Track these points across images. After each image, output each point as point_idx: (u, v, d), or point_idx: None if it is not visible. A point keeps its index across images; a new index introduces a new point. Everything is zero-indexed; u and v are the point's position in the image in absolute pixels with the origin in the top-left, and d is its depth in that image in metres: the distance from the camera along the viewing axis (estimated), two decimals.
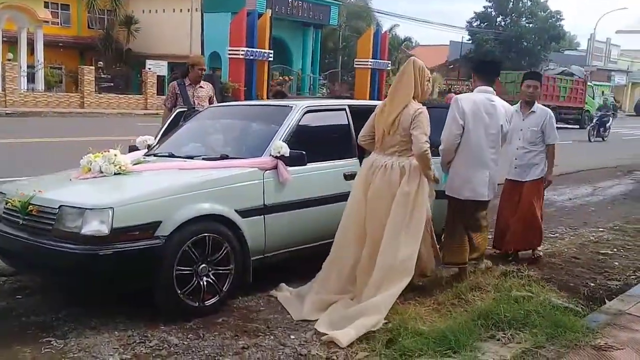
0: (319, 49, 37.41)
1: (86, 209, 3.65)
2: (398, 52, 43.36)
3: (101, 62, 31.25)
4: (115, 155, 4.25)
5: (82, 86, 25.76)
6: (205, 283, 4.00)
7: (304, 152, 4.46)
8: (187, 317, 3.94)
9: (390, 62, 37.11)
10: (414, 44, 50.63)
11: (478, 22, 51.20)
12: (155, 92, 28.47)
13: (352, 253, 4.29)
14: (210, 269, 4.03)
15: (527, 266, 4.66)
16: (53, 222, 3.76)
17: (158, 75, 29.33)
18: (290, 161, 4.44)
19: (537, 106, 5.58)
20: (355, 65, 35.38)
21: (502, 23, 50.18)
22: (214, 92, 6.75)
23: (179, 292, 3.86)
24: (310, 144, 4.64)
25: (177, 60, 31.16)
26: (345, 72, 39.76)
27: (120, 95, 27.80)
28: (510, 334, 3.65)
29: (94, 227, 3.61)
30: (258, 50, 28.49)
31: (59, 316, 4.00)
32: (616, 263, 5.72)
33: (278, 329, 3.88)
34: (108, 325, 3.85)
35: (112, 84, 29.73)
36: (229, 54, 28.11)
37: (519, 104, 5.64)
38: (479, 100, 4.78)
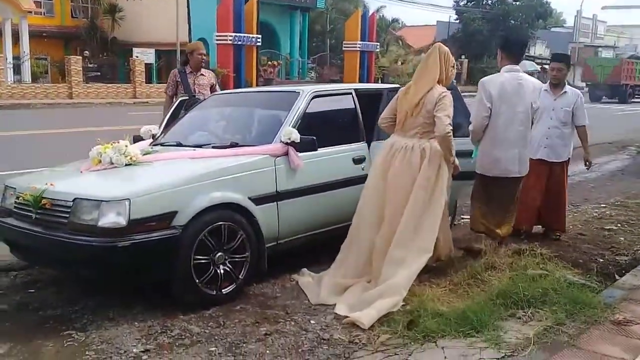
0: (306, 33, 37.24)
1: (102, 201, 3.62)
2: (386, 34, 43.23)
3: (87, 52, 30.85)
4: (126, 146, 4.21)
5: (69, 76, 25.45)
6: (222, 271, 3.99)
7: (315, 138, 4.44)
8: (206, 306, 3.93)
9: (378, 44, 37.01)
10: (400, 25, 50.47)
11: (465, 1, 51.06)
12: (144, 80, 28.24)
13: (370, 236, 4.30)
14: (226, 257, 4.02)
15: (538, 244, 4.68)
16: (68, 215, 3.73)
17: (146, 63, 29.06)
18: (300, 147, 4.42)
19: (568, 87, 5.58)
20: (343, 48, 35.25)
21: (489, 2, 50.05)
22: (215, 80, 6.69)
23: (197, 281, 3.85)
24: (319, 129, 4.62)
25: (164, 47, 30.92)
26: (333, 55, 39.60)
27: (108, 85, 27.52)
28: (530, 312, 3.68)
29: (111, 219, 3.59)
30: (246, 35, 28.32)
31: (76, 309, 3.99)
32: (622, 238, 5.77)
33: (297, 314, 3.89)
34: (126, 316, 3.84)
35: (99, 74, 29.41)
36: (217, 40, 27.92)
37: (547, 83, 5.63)
38: (505, 81, 4.79)
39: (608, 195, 8.01)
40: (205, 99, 6.01)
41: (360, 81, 34.38)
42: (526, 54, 51.68)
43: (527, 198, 5.43)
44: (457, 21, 49.89)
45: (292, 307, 4.01)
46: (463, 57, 47.21)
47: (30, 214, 3.94)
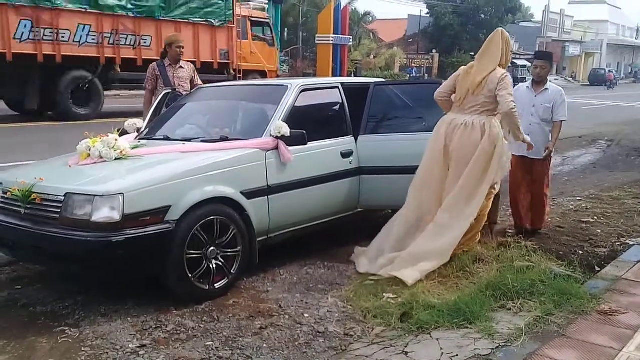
0: (279, 25, 36.97)
1: (95, 195, 3.59)
2: (358, 27, 43.29)
3: None
4: (116, 140, 4.18)
5: None
6: (214, 266, 4.00)
7: (304, 132, 4.46)
8: (199, 301, 3.94)
9: (351, 37, 36.99)
10: (371, 19, 50.53)
11: None
12: None
13: (427, 211, 4.57)
14: (218, 252, 4.03)
15: (523, 237, 4.79)
16: (59, 210, 3.69)
17: None
18: (290, 141, 4.44)
19: (550, 85, 5.55)
20: (316, 41, 35.05)
21: None
22: (194, 73, 6.64)
23: (190, 276, 3.85)
24: (307, 123, 4.64)
25: None
26: (306, 48, 39.50)
27: None
28: (520, 303, 3.77)
29: (105, 213, 3.56)
30: None
31: (66, 305, 3.96)
32: (599, 231, 5.92)
33: (290, 308, 3.92)
34: (119, 312, 3.82)
35: None
36: None
37: (530, 81, 5.65)
38: None
39: (582, 188, 8.19)
40: (187, 92, 5.99)
41: (334, 74, 34.41)
42: None
43: (519, 194, 5.52)
44: (428, 15, 50.20)
45: (284, 301, 4.03)
46: (434, 51, 47.61)
47: (19, 209, 3.88)
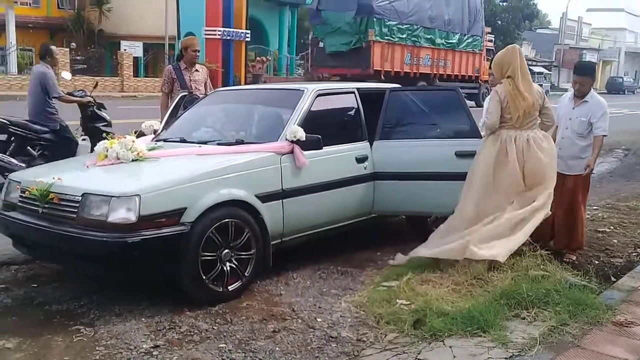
0: (295, 29, 37.14)
1: (112, 196, 3.63)
2: None
3: (73, 44, 30.49)
4: (133, 141, 4.21)
5: (57, 69, 25.11)
6: (228, 268, 4.02)
7: (320, 137, 4.47)
8: (212, 303, 3.96)
9: None
10: None
11: None
12: (132, 73, 27.97)
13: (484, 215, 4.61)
14: (232, 255, 4.04)
15: (539, 245, 4.75)
16: (76, 210, 3.73)
17: (133, 57, 28.81)
18: (305, 145, 4.45)
19: (593, 96, 5.06)
20: None
21: None
22: (209, 77, 6.69)
23: (204, 277, 3.87)
24: (322, 128, 4.65)
25: (152, 40, 30.72)
26: None
27: (96, 78, 27.18)
28: (534, 313, 3.74)
29: (121, 214, 3.60)
30: (235, 30, 28.23)
31: (81, 303, 3.99)
32: (615, 240, 5.86)
33: (304, 312, 3.92)
34: (133, 311, 3.85)
35: (85, 66, 29.08)
36: (206, 35, 27.69)
37: (572, 92, 5.23)
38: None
39: (599, 197, 8.11)
40: (204, 96, 6.02)
41: None
42: None
43: None
44: None
45: (297, 305, 4.03)
46: None
47: (37, 208, 3.93)
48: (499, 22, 48.54)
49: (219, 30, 27.34)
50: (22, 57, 27.73)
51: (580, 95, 5.07)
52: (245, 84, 28.59)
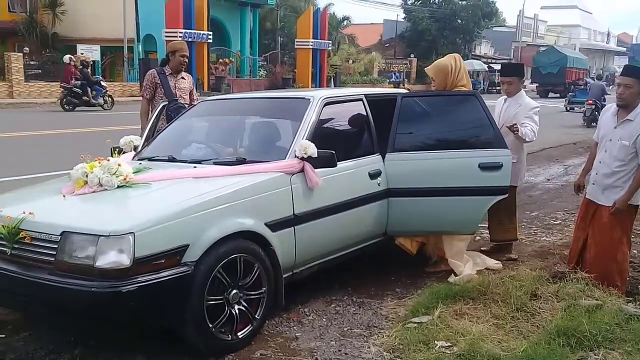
0: (257, 30, 36.43)
1: (100, 235, 2.96)
2: (337, 32, 42.84)
3: (26, 48, 29.05)
4: (119, 165, 3.54)
5: (9, 74, 23.87)
6: (237, 312, 3.40)
7: (334, 152, 3.88)
8: (220, 354, 3.34)
9: (330, 42, 36.58)
10: (344, 24, 49.99)
11: (413, 0, 51.27)
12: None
13: None
14: (241, 295, 3.44)
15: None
16: (54, 253, 3.06)
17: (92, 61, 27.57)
18: (318, 163, 3.86)
19: (637, 113, 4.07)
20: (296, 46, 34.68)
21: (437, 1, 50.41)
22: (194, 86, 6.03)
23: (211, 325, 3.25)
24: (332, 141, 4.09)
25: (109, 44, 29.56)
26: (285, 53, 38.89)
27: (51, 83, 25.90)
28: (602, 355, 3.23)
29: (112, 257, 2.94)
30: (196, 32, 27.43)
31: (63, 358, 3.32)
32: (635, 251, 5.44)
33: None
34: None
35: (40, 71, 27.71)
36: (166, 37, 26.73)
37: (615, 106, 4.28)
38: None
39: None
40: (192, 105, 5.37)
41: (313, 80, 33.94)
42: (472, 53, 52.63)
43: (573, 237, 4.73)
44: (405, 20, 50.05)
45: (320, 352, 3.45)
46: (412, 55, 47.42)
47: (5, 249, 3.24)
48: (459, 20, 48.65)
49: (180, 32, 26.40)
50: None
51: (621, 102, 4.12)
52: (209, 87, 27.79)
